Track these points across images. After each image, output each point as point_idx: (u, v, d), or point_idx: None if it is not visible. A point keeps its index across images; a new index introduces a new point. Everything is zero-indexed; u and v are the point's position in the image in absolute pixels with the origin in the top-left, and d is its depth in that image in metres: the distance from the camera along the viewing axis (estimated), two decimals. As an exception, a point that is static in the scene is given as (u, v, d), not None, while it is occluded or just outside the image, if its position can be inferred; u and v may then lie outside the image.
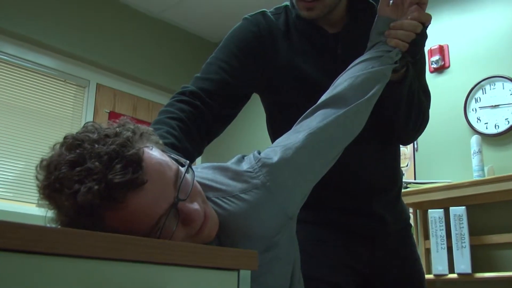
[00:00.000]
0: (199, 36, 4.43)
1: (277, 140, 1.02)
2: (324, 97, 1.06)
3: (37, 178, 0.79)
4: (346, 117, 1.03)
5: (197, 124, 1.18)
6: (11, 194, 3.32)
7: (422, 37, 1.16)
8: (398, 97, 1.23)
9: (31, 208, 3.21)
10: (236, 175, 0.93)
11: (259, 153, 0.98)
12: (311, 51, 1.27)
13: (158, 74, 4.16)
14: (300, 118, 1.05)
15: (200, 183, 0.88)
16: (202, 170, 0.95)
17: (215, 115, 1.22)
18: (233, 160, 0.98)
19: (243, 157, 0.98)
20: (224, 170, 0.95)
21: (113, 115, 3.87)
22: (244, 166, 0.95)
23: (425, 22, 1.15)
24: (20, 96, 3.53)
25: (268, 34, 1.29)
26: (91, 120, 3.76)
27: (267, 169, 0.94)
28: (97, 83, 3.92)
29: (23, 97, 3.54)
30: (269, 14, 1.32)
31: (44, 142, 3.49)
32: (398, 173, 1.38)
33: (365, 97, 1.06)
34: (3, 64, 3.51)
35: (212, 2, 3.98)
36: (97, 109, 3.87)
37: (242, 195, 0.91)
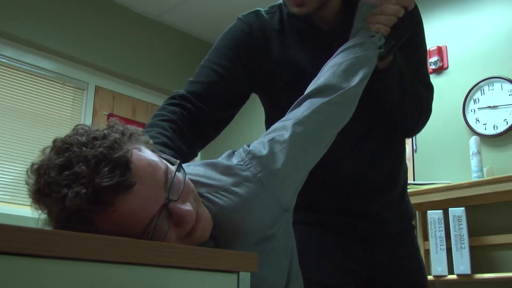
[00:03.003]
0: (198, 38, 4.43)
1: (266, 132, 1.01)
2: (308, 89, 1.06)
3: (27, 183, 0.78)
4: (332, 104, 1.02)
5: (189, 126, 1.17)
6: (9, 197, 3.32)
7: (404, 21, 1.15)
8: (388, 85, 1.21)
9: (29, 211, 3.20)
10: (227, 169, 0.93)
11: (249, 146, 0.97)
12: (305, 49, 1.25)
13: (157, 76, 4.16)
14: (288, 110, 1.04)
15: (191, 180, 0.87)
16: (193, 168, 0.94)
17: (207, 118, 1.21)
18: (223, 155, 0.97)
19: (233, 152, 0.97)
20: (214, 166, 0.94)
21: (112, 118, 3.87)
22: (234, 160, 0.94)
23: (407, 6, 1.15)
24: (19, 99, 3.53)
25: (261, 33, 1.27)
26: (90, 123, 3.76)
27: (257, 161, 0.93)
28: (95, 86, 3.92)
29: (21, 99, 3.54)
30: (263, 13, 1.31)
31: (42, 144, 3.44)
32: (399, 171, 1.34)
33: (351, 84, 1.05)
34: (2, 67, 3.50)
35: (211, 4, 3.98)
36: (95, 111, 3.87)
37: (234, 189, 0.91)
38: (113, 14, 3.98)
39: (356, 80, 1.06)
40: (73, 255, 0.60)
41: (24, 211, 3.23)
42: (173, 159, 0.85)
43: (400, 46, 1.18)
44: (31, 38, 3.54)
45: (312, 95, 1.04)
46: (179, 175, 0.82)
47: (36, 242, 0.57)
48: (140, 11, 4.12)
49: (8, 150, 3.41)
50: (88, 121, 3.77)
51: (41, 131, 3.55)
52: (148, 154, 0.80)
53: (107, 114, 3.91)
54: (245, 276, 0.76)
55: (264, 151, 0.94)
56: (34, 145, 3.48)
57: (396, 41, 1.16)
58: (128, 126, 0.84)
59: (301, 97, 1.05)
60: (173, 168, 0.82)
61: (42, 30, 3.58)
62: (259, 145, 0.96)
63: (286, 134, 0.96)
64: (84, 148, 0.75)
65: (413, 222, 1.41)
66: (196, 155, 1.20)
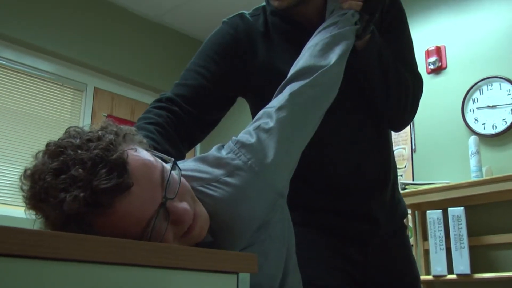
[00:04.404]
0: (197, 39, 4.43)
1: (251, 121, 1.02)
2: (289, 74, 1.07)
3: (21, 189, 0.77)
4: (312, 86, 1.03)
5: (176, 129, 1.17)
6: (9, 199, 3.32)
7: None
8: (367, 64, 1.22)
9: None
10: (217, 161, 0.93)
11: (236, 137, 0.98)
12: (290, 49, 1.24)
13: (156, 77, 4.16)
14: (273, 97, 1.05)
15: (183, 175, 0.86)
16: (184, 163, 0.94)
17: (194, 120, 1.21)
18: (213, 149, 0.97)
19: (222, 145, 0.97)
20: (204, 159, 0.94)
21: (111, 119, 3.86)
22: (224, 152, 0.95)
23: None
24: (18, 100, 3.53)
25: (246, 35, 1.27)
26: (89, 124, 3.75)
27: (246, 149, 0.93)
28: (94, 87, 3.92)
29: (20, 101, 3.54)
30: (248, 15, 1.31)
31: (42, 146, 3.47)
32: (390, 168, 1.34)
33: (329, 61, 1.06)
34: (1, 69, 3.50)
35: (210, 6, 3.99)
36: (94, 113, 3.87)
37: (226, 179, 0.91)
38: (112, 16, 3.98)
39: (333, 57, 1.07)
40: (74, 256, 0.60)
41: (24, 213, 3.22)
42: (167, 157, 0.85)
43: (375, 21, 1.18)
44: (30, 40, 3.54)
45: (292, 79, 1.05)
46: (175, 173, 0.82)
47: (36, 244, 0.57)
48: (139, 12, 4.12)
49: (8, 152, 3.41)
50: (87, 123, 3.76)
51: (40, 133, 3.55)
52: (143, 154, 0.80)
53: (106, 115, 3.91)
54: (245, 277, 0.76)
55: (252, 139, 0.95)
56: (34, 147, 3.46)
57: (370, 15, 1.16)
58: (121, 126, 0.84)
59: (282, 82, 1.06)
60: (168, 167, 0.82)
61: (41, 32, 3.58)
62: (246, 134, 0.97)
63: (271, 121, 0.97)
64: (79, 151, 0.75)
65: (410, 222, 1.41)
66: (183, 158, 1.20)
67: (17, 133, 3.48)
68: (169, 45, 4.29)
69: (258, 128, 0.97)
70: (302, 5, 1.22)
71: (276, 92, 1.05)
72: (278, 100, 1.01)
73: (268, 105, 1.02)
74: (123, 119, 3.90)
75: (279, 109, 0.99)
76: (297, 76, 1.05)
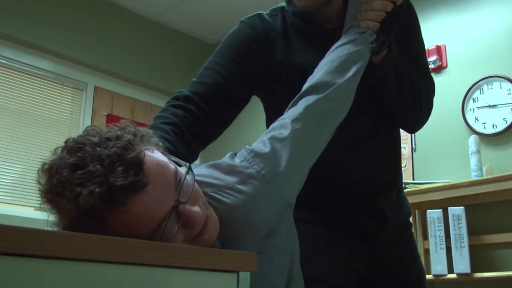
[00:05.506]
0: (197, 38, 4.43)
1: (265, 131, 1.03)
2: (304, 87, 1.08)
3: (39, 182, 0.78)
4: (326, 100, 1.05)
5: (191, 129, 1.18)
6: (9, 198, 3.32)
7: (393, 15, 1.17)
8: (384, 79, 1.23)
9: (29, 212, 3.20)
10: (230, 168, 0.94)
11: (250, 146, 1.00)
12: (309, 49, 1.26)
13: (156, 76, 4.16)
14: (286, 109, 1.07)
15: (196, 180, 0.87)
16: (196, 169, 0.95)
17: (210, 119, 1.23)
18: (226, 156, 0.99)
19: (235, 153, 0.99)
20: (217, 166, 0.96)
21: (111, 118, 3.87)
22: (237, 160, 0.96)
23: (395, 0, 1.16)
24: (18, 99, 3.53)
25: (264, 35, 1.29)
26: (89, 123, 3.76)
27: (260, 158, 0.95)
28: (94, 86, 3.92)
29: (20, 100, 3.54)
30: (266, 15, 1.32)
31: (42, 145, 3.49)
32: (400, 167, 1.37)
33: (344, 79, 1.08)
34: (1, 68, 3.50)
35: (210, 4, 3.98)
36: (95, 112, 3.87)
37: (239, 186, 0.92)
38: (112, 15, 3.98)
39: (348, 75, 1.09)
40: (74, 255, 0.60)
41: (25, 211, 3.23)
42: (183, 162, 0.86)
43: (392, 39, 1.20)
44: (30, 39, 3.54)
45: (307, 92, 1.07)
46: (188, 177, 0.83)
47: (36, 242, 0.57)
48: (138, 11, 4.12)
49: (7, 151, 3.41)
50: (87, 122, 3.77)
51: (40, 132, 3.55)
52: (159, 156, 0.82)
53: (106, 114, 3.91)
54: (245, 276, 0.76)
55: (266, 149, 0.96)
56: (33, 146, 3.48)
57: (386, 36, 1.17)
58: (139, 128, 0.86)
59: (297, 95, 1.07)
60: (182, 170, 0.84)
61: (41, 31, 3.58)
62: (260, 144, 0.98)
63: (286, 132, 0.99)
64: (97, 148, 0.76)
65: (411, 220, 1.43)
66: (196, 158, 1.21)
67: (17, 132, 3.47)
68: (169, 44, 4.29)
69: (272, 138, 0.98)
70: (325, 7, 1.24)
71: (290, 104, 1.07)
72: (293, 112, 1.03)
73: (282, 117, 1.04)
74: (123, 118, 3.89)
75: (294, 120, 1.01)
76: (312, 90, 1.06)
